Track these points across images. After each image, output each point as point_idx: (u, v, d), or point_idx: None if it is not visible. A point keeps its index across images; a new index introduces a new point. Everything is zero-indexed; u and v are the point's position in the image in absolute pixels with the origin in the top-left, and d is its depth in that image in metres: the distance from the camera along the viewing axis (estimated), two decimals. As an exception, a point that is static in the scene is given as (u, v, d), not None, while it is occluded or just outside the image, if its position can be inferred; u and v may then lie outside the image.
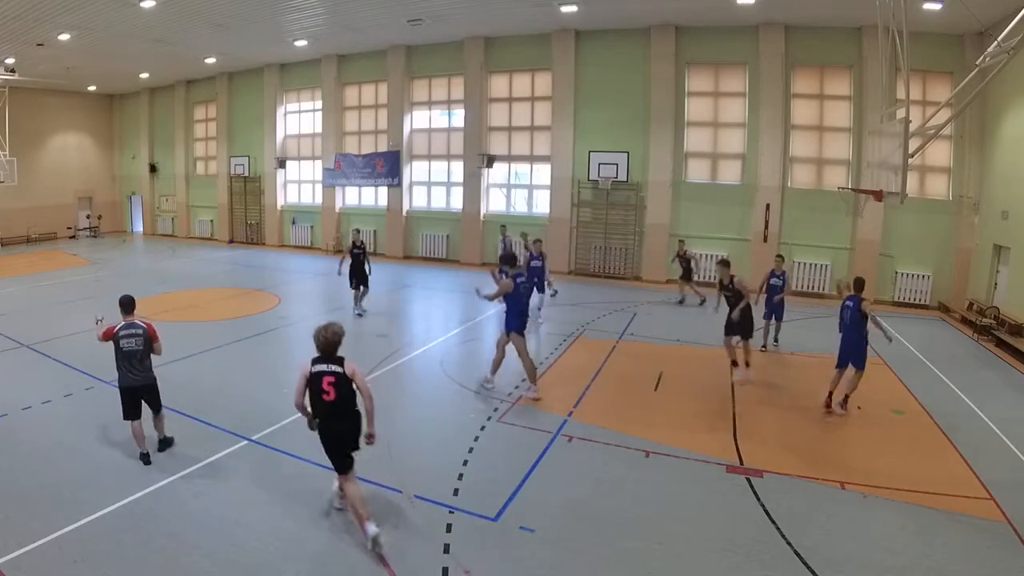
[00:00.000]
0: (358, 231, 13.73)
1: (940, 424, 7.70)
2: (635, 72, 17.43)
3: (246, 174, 24.88)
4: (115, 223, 29.79)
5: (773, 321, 10.90)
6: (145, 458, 6.09)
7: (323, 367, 4.86)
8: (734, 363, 9.25)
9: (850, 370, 7.88)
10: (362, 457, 6.27)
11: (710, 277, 14.32)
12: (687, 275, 14.61)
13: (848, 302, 7.94)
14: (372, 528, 4.79)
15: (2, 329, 11.19)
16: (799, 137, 16.43)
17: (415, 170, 21.61)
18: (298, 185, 24.74)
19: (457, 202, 20.77)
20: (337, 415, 4.92)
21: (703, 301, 14.07)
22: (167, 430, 6.51)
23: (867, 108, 14.94)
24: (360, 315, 12.69)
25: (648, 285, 17.10)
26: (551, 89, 18.56)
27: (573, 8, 15.47)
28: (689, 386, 9.02)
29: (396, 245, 21.67)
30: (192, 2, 15.10)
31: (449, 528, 5.15)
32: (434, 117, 21.27)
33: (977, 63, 7.87)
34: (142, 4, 14.56)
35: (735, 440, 7.10)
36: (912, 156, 7.76)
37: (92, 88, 27.08)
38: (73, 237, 27.33)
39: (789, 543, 5.03)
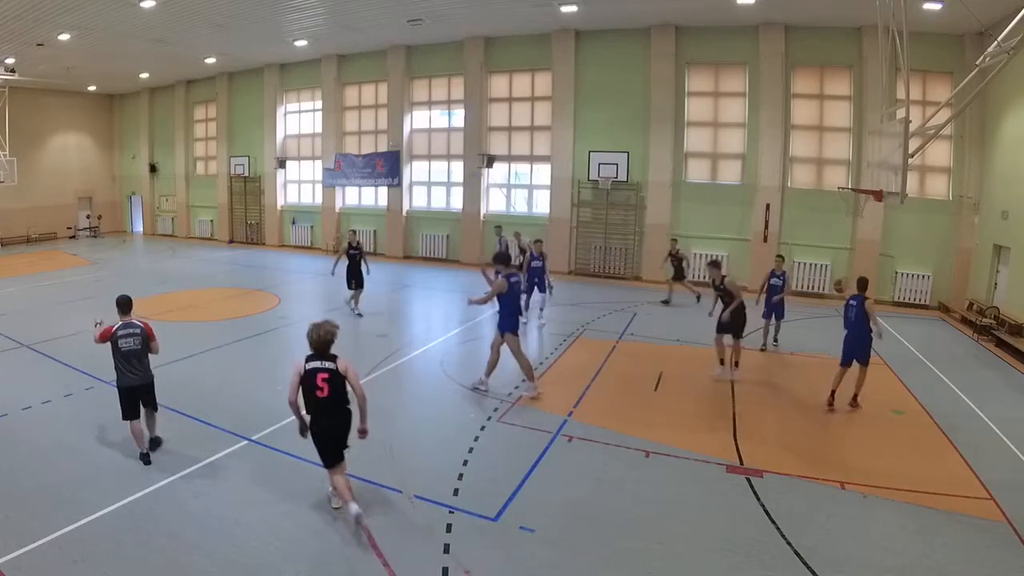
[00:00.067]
0: (354, 232, 13.77)
1: (940, 424, 7.70)
2: (635, 72, 17.43)
3: (246, 174, 24.89)
4: (115, 223, 29.80)
5: (773, 320, 10.92)
6: (145, 458, 6.09)
7: (317, 364, 5.00)
8: (721, 361, 9.32)
9: (855, 366, 8.00)
10: (362, 457, 6.28)
11: (703, 276, 14.32)
12: (679, 274, 14.60)
13: (852, 301, 8.08)
14: (355, 507, 4.95)
15: (2, 329, 11.19)
16: (799, 137, 16.43)
17: (415, 170, 21.61)
18: (298, 185, 24.75)
19: (457, 202, 20.78)
20: (330, 411, 5.07)
21: (699, 297, 14.06)
22: (157, 430, 6.50)
23: (867, 108, 14.94)
24: (360, 315, 12.69)
25: (648, 285, 17.08)
26: (551, 89, 18.56)
27: (573, 8, 15.47)
28: (689, 386, 9.02)
29: (396, 245, 21.67)
30: (192, 2, 15.10)
31: (449, 528, 5.15)
32: (434, 117, 21.27)
33: (977, 63, 7.87)
34: (142, 4, 14.56)
35: (735, 440, 7.10)
36: (912, 156, 7.76)
37: (92, 88, 27.08)
38: (73, 237, 27.33)
39: (789, 543, 5.03)
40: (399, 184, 21.20)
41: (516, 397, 8.21)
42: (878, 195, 8.67)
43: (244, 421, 7.12)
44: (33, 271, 18.44)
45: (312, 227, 23.97)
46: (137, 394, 6.18)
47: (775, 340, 11.10)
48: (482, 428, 7.27)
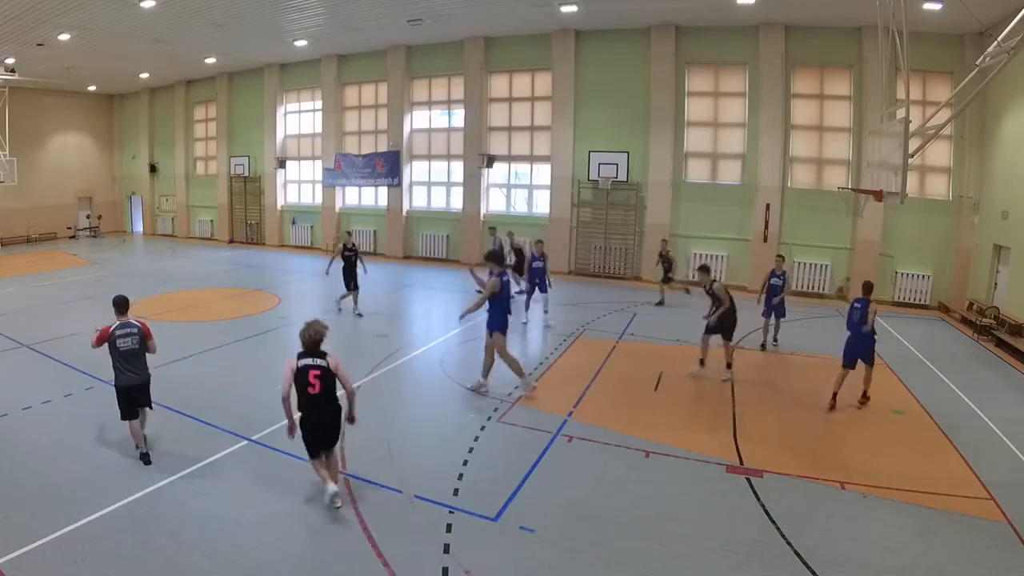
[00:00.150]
0: (349, 233, 13.89)
1: (940, 424, 7.70)
2: (635, 72, 17.43)
3: (246, 174, 24.89)
4: (115, 223, 29.79)
5: (773, 319, 10.94)
6: (145, 458, 6.09)
7: (309, 361, 5.30)
8: (701, 361, 9.33)
9: (861, 366, 8.08)
10: (362, 457, 6.29)
11: (694, 276, 14.31)
12: (667, 276, 14.60)
13: (857, 304, 8.15)
14: (332, 487, 5.32)
15: (2, 329, 11.19)
16: (799, 137, 16.43)
17: (415, 170, 21.61)
18: (298, 185, 24.74)
19: (457, 202, 20.77)
20: (321, 407, 5.34)
21: (687, 289, 14.44)
22: (147, 428, 6.48)
23: (867, 108, 14.93)
24: (359, 315, 12.68)
25: (648, 285, 17.07)
26: (551, 89, 18.56)
27: (573, 8, 15.47)
28: (689, 386, 9.02)
29: (396, 245, 21.67)
30: (192, 2, 15.10)
31: (449, 528, 5.15)
32: (434, 117, 21.27)
33: (977, 63, 7.87)
34: (142, 4, 14.56)
35: (735, 440, 7.10)
36: (912, 156, 7.76)
37: (92, 88, 27.08)
38: (73, 237, 27.33)
39: (789, 543, 5.03)
40: (399, 184, 21.19)
41: (516, 397, 8.21)
42: (878, 195, 8.67)
43: (244, 421, 7.12)
44: (33, 271, 18.44)
45: (312, 227, 23.96)
46: (134, 393, 6.19)
47: (775, 340, 11.11)
48: (482, 428, 7.27)
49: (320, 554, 4.85)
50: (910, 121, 7.76)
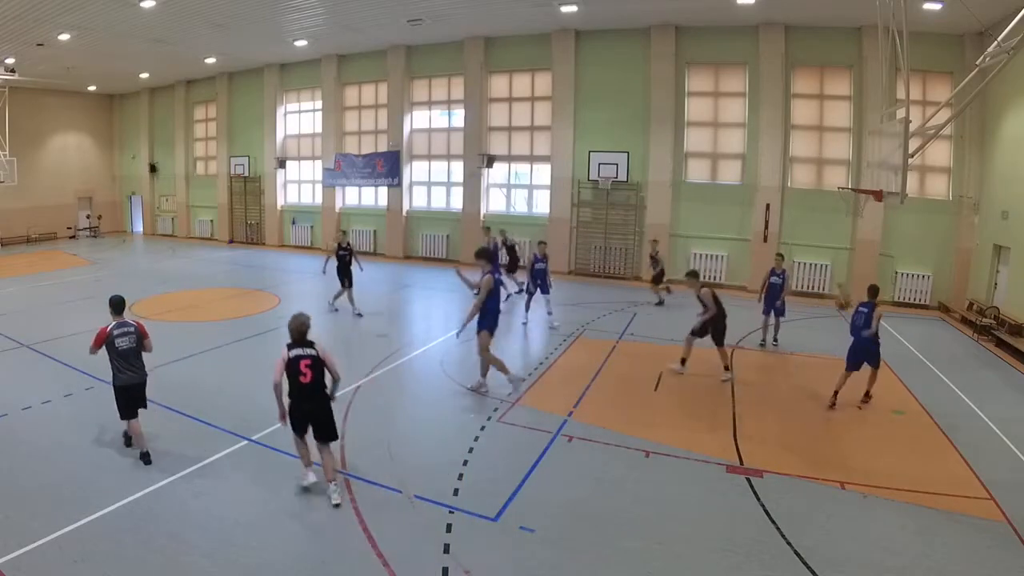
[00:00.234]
0: (344, 233, 13.95)
1: (940, 424, 7.71)
2: (635, 72, 17.42)
3: (246, 174, 24.88)
4: (115, 223, 29.79)
5: (773, 318, 10.94)
6: (145, 457, 6.09)
7: (299, 351, 5.53)
8: (682, 361, 9.30)
9: (866, 369, 8.12)
10: (362, 457, 6.29)
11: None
12: (658, 277, 14.63)
13: (862, 308, 8.16)
14: (311, 476, 5.61)
15: (2, 329, 11.19)
16: (799, 137, 16.42)
17: (415, 170, 21.61)
18: (298, 185, 24.74)
19: (457, 202, 20.77)
20: (312, 396, 5.53)
21: (668, 289, 14.72)
22: (143, 427, 6.41)
23: (867, 108, 14.94)
24: (359, 315, 12.68)
25: (648, 285, 17.06)
26: (551, 89, 18.56)
27: (573, 8, 15.47)
28: (689, 386, 9.02)
29: (396, 245, 21.67)
30: (192, 2, 15.09)
31: (449, 528, 5.15)
32: (434, 117, 21.26)
33: (977, 63, 7.87)
34: (142, 4, 14.56)
35: (735, 440, 7.10)
36: (912, 156, 7.76)
37: (92, 88, 27.08)
38: (73, 237, 27.33)
39: (789, 543, 5.03)
40: (399, 184, 21.19)
41: (516, 397, 8.21)
42: (878, 195, 8.68)
43: (244, 421, 7.12)
44: (33, 271, 18.44)
45: (312, 227, 23.96)
46: (132, 392, 6.20)
47: (775, 340, 11.11)
48: (482, 428, 7.27)
49: (320, 554, 4.84)
50: (910, 121, 7.76)
